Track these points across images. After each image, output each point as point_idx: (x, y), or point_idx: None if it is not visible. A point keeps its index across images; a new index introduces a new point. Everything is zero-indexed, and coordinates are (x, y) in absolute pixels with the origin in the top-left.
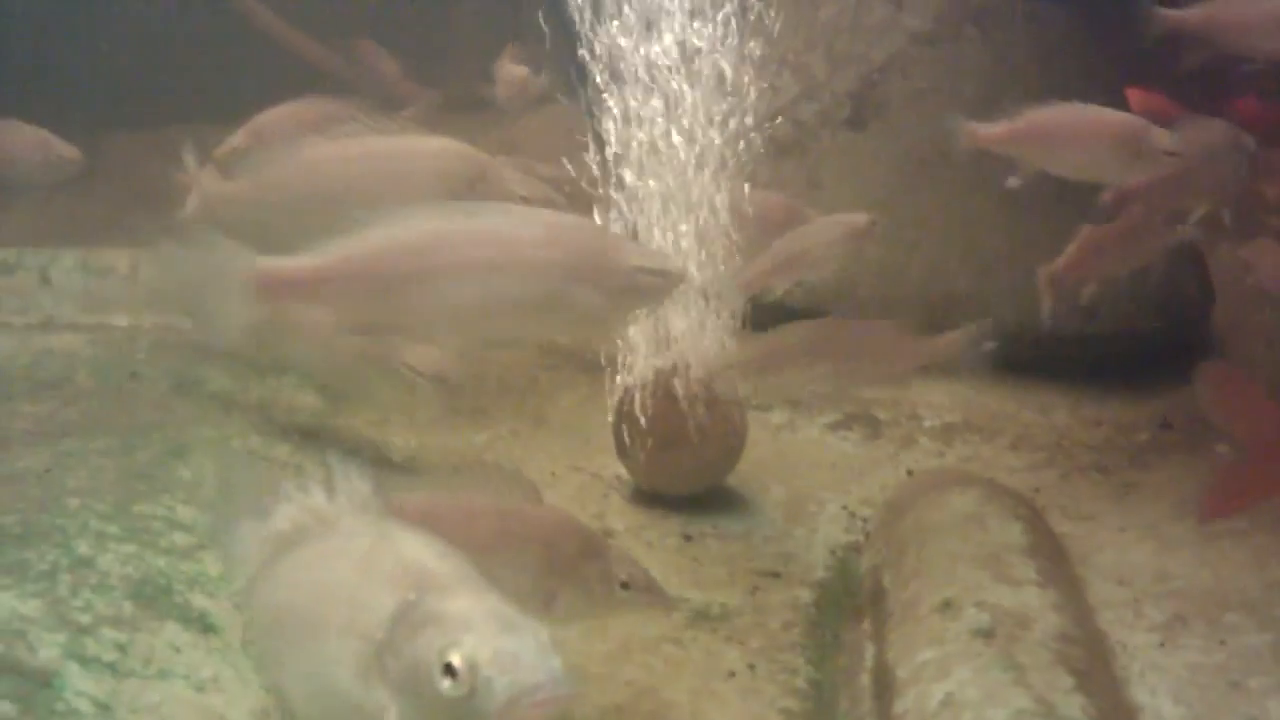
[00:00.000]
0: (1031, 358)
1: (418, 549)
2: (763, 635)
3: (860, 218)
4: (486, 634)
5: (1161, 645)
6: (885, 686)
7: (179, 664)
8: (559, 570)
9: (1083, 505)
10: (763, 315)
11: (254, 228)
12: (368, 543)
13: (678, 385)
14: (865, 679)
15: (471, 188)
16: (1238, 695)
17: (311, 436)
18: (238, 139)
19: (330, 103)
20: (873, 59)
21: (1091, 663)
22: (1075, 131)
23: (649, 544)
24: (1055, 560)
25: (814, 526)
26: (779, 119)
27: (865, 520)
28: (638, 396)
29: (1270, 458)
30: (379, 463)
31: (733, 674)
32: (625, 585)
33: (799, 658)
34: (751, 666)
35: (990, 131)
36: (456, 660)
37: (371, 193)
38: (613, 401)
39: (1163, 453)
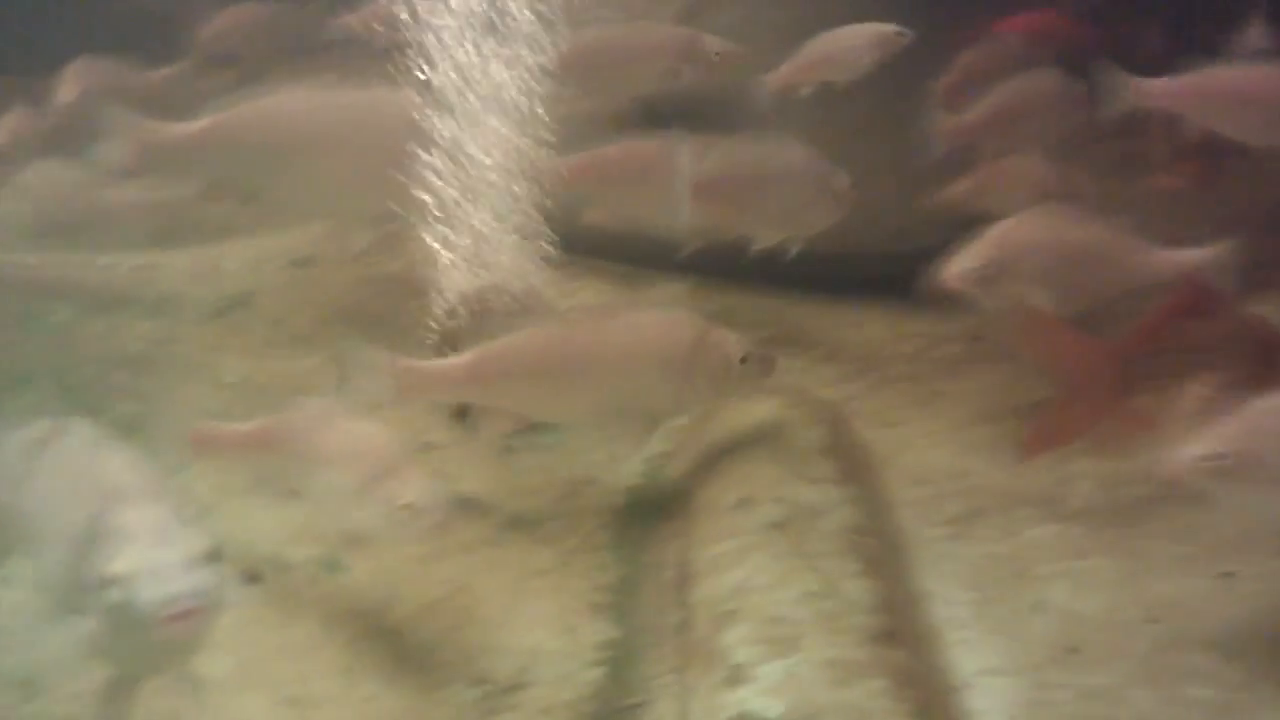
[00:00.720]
0: (848, 276)
1: (113, 462)
2: (576, 537)
3: (889, 27)
4: (142, 547)
5: (955, 537)
6: (686, 577)
7: None
8: (363, 490)
9: (891, 413)
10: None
11: (206, 170)
12: (76, 455)
13: (495, 304)
14: (669, 573)
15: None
16: (1024, 582)
17: (148, 363)
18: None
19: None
20: None
21: (882, 552)
22: (1257, 91)
23: (471, 456)
24: (855, 461)
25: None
26: None
27: (678, 430)
28: (450, 314)
29: (1084, 395)
30: (213, 385)
31: (543, 573)
32: (408, 507)
33: (609, 556)
34: (564, 564)
35: (1161, 88)
36: (114, 570)
37: (326, 142)
38: (435, 321)
39: (972, 363)
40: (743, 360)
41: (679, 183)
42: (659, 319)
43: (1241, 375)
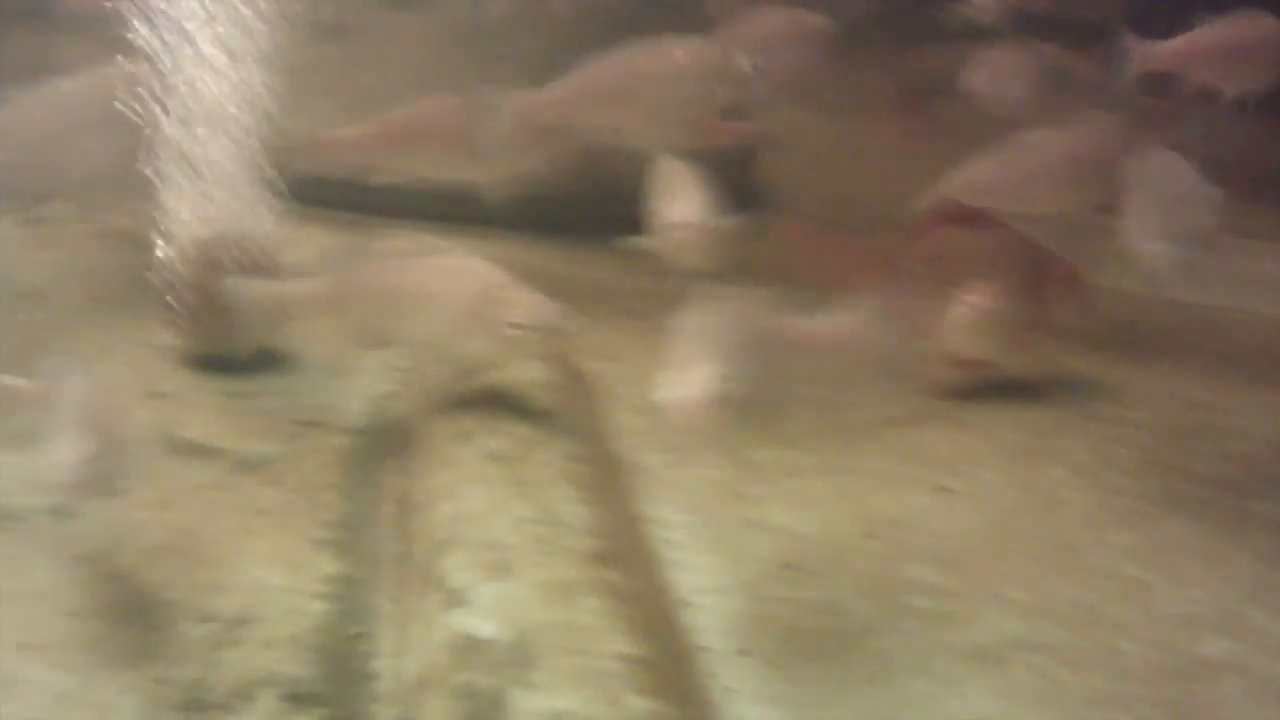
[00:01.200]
0: (575, 217)
1: None
2: (299, 478)
3: None
4: None
5: (673, 464)
6: (406, 511)
7: None
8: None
9: (613, 347)
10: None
11: None
12: None
13: (217, 253)
14: (391, 507)
15: None
16: (741, 502)
17: None
18: None
19: None
20: None
21: (599, 479)
22: (1243, 41)
23: (195, 403)
24: (574, 394)
25: (354, 379)
26: None
27: (402, 371)
28: (180, 265)
29: None
30: None
31: (269, 513)
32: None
33: (333, 495)
34: (288, 504)
35: (1169, 50)
36: None
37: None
38: (160, 272)
39: (698, 300)
40: (513, 326)
41: (488, 137)
42: (461, 267)
43: (1010, 285)
